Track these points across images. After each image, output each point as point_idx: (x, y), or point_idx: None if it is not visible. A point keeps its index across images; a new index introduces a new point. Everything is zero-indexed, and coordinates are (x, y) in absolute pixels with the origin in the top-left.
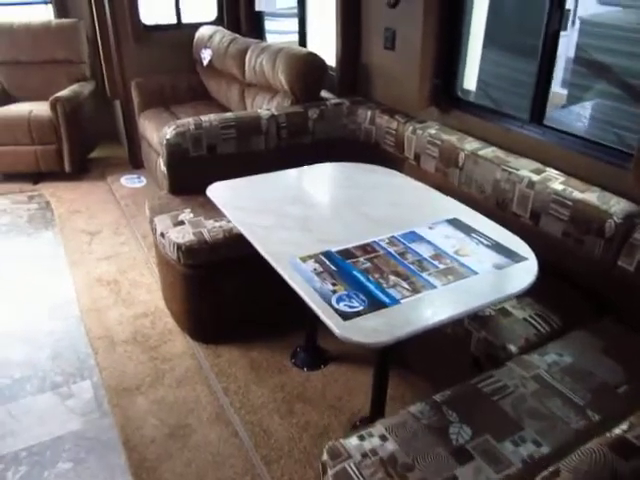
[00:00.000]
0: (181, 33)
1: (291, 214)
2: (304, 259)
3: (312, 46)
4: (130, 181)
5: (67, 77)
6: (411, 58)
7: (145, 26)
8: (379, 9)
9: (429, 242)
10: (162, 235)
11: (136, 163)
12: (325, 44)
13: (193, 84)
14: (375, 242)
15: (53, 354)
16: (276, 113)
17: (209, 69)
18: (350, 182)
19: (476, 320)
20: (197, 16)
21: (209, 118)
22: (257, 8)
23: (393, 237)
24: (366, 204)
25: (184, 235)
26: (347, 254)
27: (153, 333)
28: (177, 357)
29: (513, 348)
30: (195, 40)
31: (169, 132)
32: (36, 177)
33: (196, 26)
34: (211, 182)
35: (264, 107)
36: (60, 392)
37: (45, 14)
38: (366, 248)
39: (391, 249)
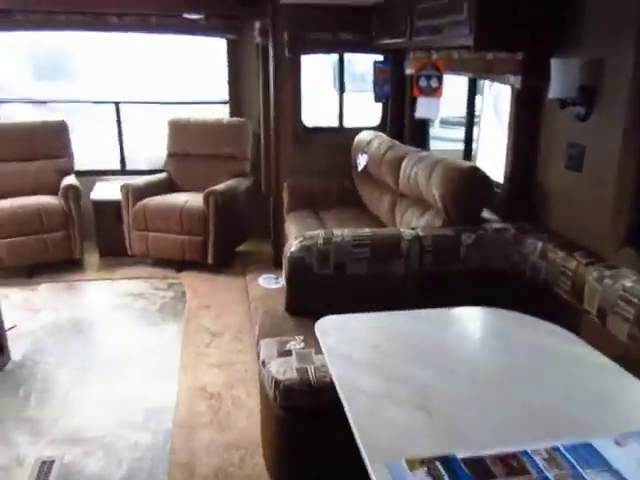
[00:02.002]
0: (341, 137)
1: (410, 379)
2: (412, 464)
3: (482, 158)
4: (267, 281)
5: (228, 172)
6: (603, 183)
7: (306, 128)
8: (564, 121)
9: (614, 471)
10: (263, 364)
11: (278, 263)
12: (495, 156)
13: (346, 189)
14: (526, 453)
15: (127, 475)
16: (421, 234)
17: (363, 175)
18: (502, 341)
19: None
20: (360, 121)
21: (341, 233)
22: (417, 116)
23: (555, 449)
24: (520, 380)
25: (286, 370)
26: (478, 468)
27: (238, 475)
28: None
29: None
30: (354, 144)
31: (294, 244)
32: (180, 265)
33: (357, 130)
34: (334, 306)
35: (413, 223)
36: None
37: (222, 113)
38: (509, 461)
39: (550, 473)
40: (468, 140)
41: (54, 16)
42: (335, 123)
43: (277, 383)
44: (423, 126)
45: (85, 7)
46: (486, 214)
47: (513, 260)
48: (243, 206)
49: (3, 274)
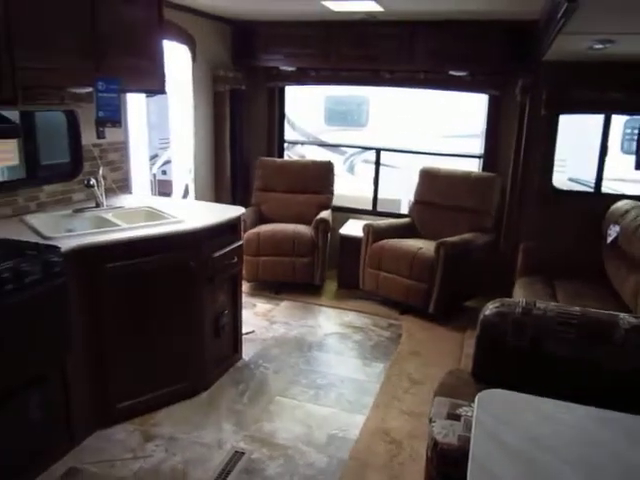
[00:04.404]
0: (595, 202)
1: (554, 477)
2: None
3: None
4: None
5: (469, 225)
6: None
7: (555, 190)
8: None
9: None
10: (430, 420)
11: None
12: None
13: (590, 261)
14: None
15: None
16: None
17: (613, 248)
18: None
19: None
20: (626, 187)
21: (545, 306)
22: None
23: None
24: None
25: (447, 433)
26: None
27: None
28: None
29: None
30: (608, 213)
31: (490, 308)
32: (404, 308)
33: (617, 198)
34: (524, 382)
35: None
36: None
37: (474, 166)
38: None
39: None
40: None
41: (338, 73)
42: (592, 187)
43: (435, 444)
44: None
45: (364, 65)
46: None
47: None
48: (477, 261)
49: (257, 286)
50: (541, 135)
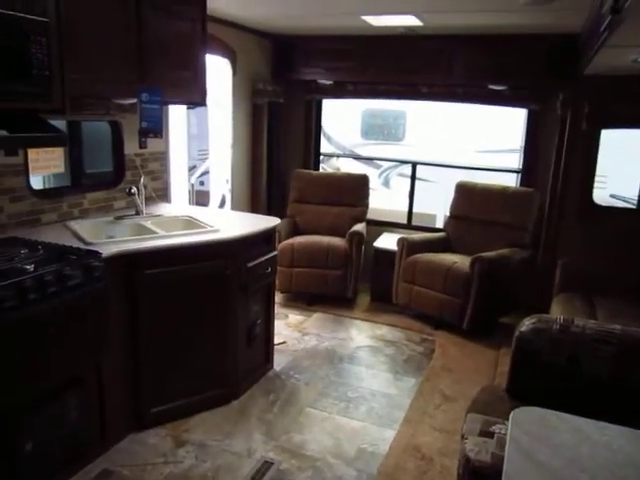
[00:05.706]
0: (636, 219)
1: None
2: None
3: None
4: None
5: (505, 240)
6: None
7: (595, 206)
8: None
9: None
10: (462, 437)
11: None
12: None
13: (631, 278)
14: None
15: None
16: None
17: None
18: None
19: None
20: None
21: (584, 324)
22: None
23: None
24: None
25: (480, 451)
26: None
27: None
28: None
29: None
30: None
31: (526, 324)
32: (438, 323)
33: None
34: (560, 402)
35: None
36: None
37: (510, 181)
38: None
39: None
40: None
41: (376, 86)
42: (634, 204)
43: (467, 461)
44: None
45: (402, 79)
46: None
47: None
48: (513, 277)
49: (290, 297)
50: (582, 150)
